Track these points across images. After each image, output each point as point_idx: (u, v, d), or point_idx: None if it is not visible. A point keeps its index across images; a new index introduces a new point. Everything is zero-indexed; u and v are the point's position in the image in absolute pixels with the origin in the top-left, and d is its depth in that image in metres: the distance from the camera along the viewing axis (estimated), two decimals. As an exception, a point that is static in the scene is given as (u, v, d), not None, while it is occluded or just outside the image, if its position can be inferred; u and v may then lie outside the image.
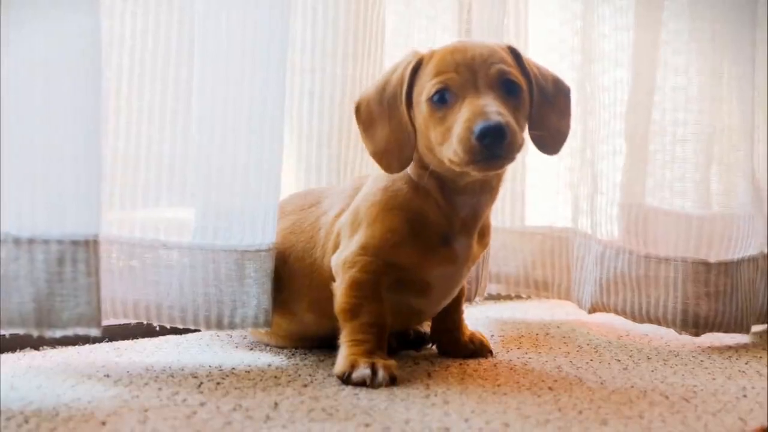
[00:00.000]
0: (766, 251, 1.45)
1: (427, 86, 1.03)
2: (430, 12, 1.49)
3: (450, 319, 1.21)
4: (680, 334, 1.38)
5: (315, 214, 1.17)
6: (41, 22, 0.94)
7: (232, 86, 1.10)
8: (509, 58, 1.06)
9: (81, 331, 0.96)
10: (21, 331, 0.96)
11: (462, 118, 0.99)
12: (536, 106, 1.08)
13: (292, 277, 1.15)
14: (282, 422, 0.87)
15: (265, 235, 1.13)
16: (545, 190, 1.62)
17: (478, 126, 0.96)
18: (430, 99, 1.03)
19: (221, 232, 1.12)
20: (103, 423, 0.85)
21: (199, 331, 1.27)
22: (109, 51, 1.11)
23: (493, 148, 0.97)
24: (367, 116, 1.09)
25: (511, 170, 1.57)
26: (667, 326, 1.37)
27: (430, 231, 1.08)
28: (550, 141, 1.10)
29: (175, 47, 1.14)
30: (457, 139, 0.98)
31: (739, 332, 1.38)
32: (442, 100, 1.02)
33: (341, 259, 1.09)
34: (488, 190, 1.10)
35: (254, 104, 1.11)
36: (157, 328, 1.19)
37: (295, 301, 1.16)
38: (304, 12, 1.33)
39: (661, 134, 1.43)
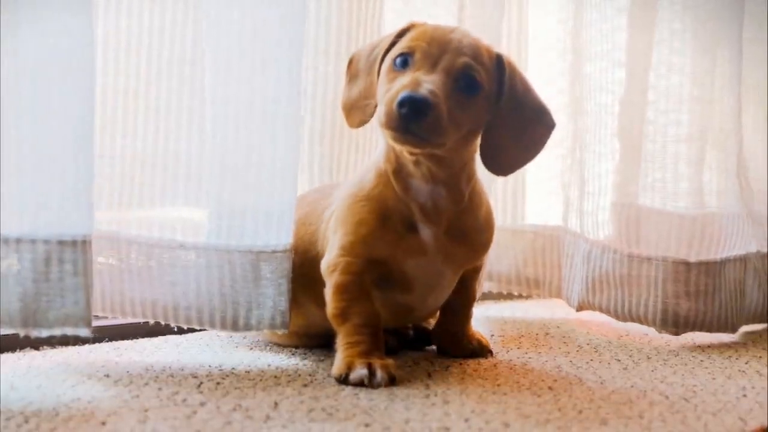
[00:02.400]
0: (763, 251, 1.45)
1: (396, 48, 1.05)
2: (431, 11, 1.49)
3: (454, 319, 1.20)
4: (660, 333, 1.38)
5: (322, 207, 1.17)
6: (29, 21, 0.94)
7: (244, 84, 1.10)
8: (487, 61, 1.05)
9: (69, 331, 0.96)
10: (7, 331, 0.96)
11: (398, 84, 1.00)
12: (500, 120, 1.06)
13: (300, 268, 1.15)
14: (282, 422, 0.87)
15: (280, 235, 1.12)
16: (539, 189, 1.62)
17: (402, 93, 0.97)
18: (393, 59, 1.04)
19: (236, 232, 1.12)
20: (103, 423, 0.85)
21: (200, 330, 1.27)
22: (128, 50, 1.12)
23: (408, 120, 0.97)
24: (354, 69, 1.12)
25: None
26: (648, 325, 1.38)
27: (395, 218, 1.08)
28: (504, 162, 1.09)
29: (190, 45, 1.14)
30: (385, 100, 0.99)
31: (724, 332, 1.38)
32: (404, 63, 1.03)
33: (326, 264, 1.09)
34: (441, 182, 1.07)
35: (268, 102, 1.11)
36: (175, 328, 1.18)
37: (302, 292, 1.15)
38: None
39: (648, 133, 1.43)
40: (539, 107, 1.11)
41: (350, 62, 1.13)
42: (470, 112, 1.03)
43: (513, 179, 1.58)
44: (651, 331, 1.43)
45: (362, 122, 1.10)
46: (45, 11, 0.95)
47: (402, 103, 0.96)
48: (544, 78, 1.57)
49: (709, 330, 1.37)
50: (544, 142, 1.11)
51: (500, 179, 1.56)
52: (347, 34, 1.35)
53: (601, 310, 1.42)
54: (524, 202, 1.60)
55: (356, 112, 1.10)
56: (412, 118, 0.96)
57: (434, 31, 1.05)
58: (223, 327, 1.12)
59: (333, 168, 1.37)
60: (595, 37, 1.44)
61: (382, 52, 1.08)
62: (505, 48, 1.51)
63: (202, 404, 0.92)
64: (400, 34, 1.08)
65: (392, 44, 1.08)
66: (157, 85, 1.13)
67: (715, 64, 1.41)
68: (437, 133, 0.98)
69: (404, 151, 1.05)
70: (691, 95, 1.41)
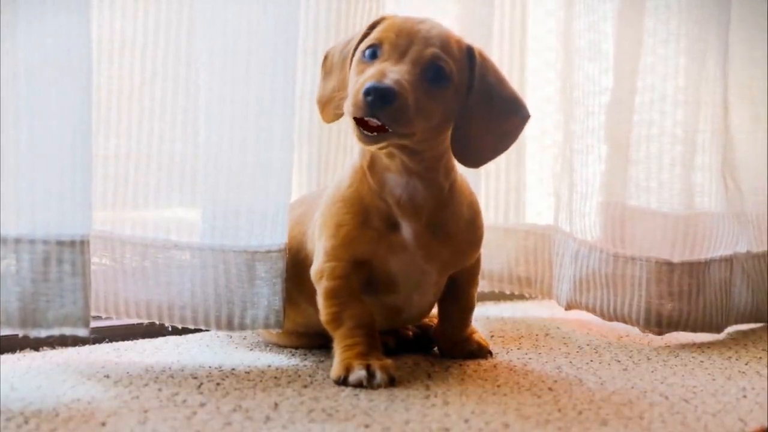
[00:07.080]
0: (753, 251, 1.45)
1: (366, 40, 1.05)
2: (425, 11, 1.48)
3: (453, 326, 1.20)
4: (643, 332, 1.38)
5: (315, 207, 1.17)
6: (26, 20, 0.94)
7: (239, 84, 1.10)
8: (456, 51, 1.05)
9: (68, 331, 0.97)
10: (6, 331, 0.97)
11: (366, 75, 1.00)
12: (471, 111, 1.06)
13: (293, 267, 1.15)
14: (282, 423, 0.87)
15: (275, 235, 1.12)
16: (538, 189, 1.62)
17: (368, 83, 0.97)
18: (363, 52, 1.04)
19: (231, 232, 1.12)
20: (103, 423, 0.85)
21: (200, 331, 1.27)
22: (122, 51, 1.12)
23: (374, 108, 0.96)
24: (329, 65, 1.13)
25: (493, 168, 1.57)
26: (632, 325, 1.38)
27: (373, 215, 1.07)
28: (474, 153, 1.08)
29: (185, 46, 1.14)
30: (352, 91, 1.00)
31: (708, 332, 1.38)
32: (372, 55, 1.03)
33: (314, 271, 1.10)
34: (417, 175, 1.06)
35: (262, 102, 1.11)
36: (169, 328, 1.18)
37: (298, 291, 1.16)
38: None
39: (634, 134, 1.43)
40: (513, 99, 1.10)
41: (325, 58, 1.14)
42: (439, 102, 1.03)
43: (512, 178, 1.57)
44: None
45: (336, 116, 1.10)
46: (44, 11, 0.95)
47: (368, 92, 0.96)
48: (543, 78, 1.57)
49: (693, 330, 1.37)
50: (517, 135, 1.10)
51: (495, 178, 1.56)
52: (336, 34, 1.35)
53: (587, 309, 1.43)
54: (519, 201, 1.60)
55: (330, 106, 1.10)
56: (377, 106, 0.96)
57: (403, 23, 1.05)
58: (218, 326, 1.13)
59: (321, 168, 1.37)
60: (592, 39, 1.44)
61: (354, 45, 1.08)
62: (502, 47, 1.52)
63: (202, 405, 0.92)
64: (372, 27, 1.08)
65: (364, 37, 1.07)
66: (151, 85, 1.13)
67: (701, 65, 1.41)
68: (402, 121, 0.98)
69: (359, 136, 1.02)
70: (678, 96, 1.41)
